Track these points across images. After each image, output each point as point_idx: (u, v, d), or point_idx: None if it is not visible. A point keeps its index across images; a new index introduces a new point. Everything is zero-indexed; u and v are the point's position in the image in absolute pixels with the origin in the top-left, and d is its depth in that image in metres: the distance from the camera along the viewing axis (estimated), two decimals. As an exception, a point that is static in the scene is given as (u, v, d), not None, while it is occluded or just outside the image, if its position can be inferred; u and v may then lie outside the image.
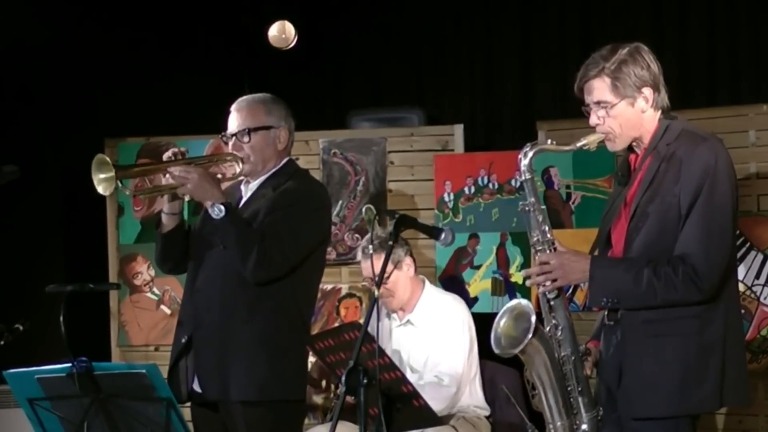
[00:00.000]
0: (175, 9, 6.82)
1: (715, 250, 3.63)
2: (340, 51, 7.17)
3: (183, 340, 4.40)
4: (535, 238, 3.82)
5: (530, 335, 3.68)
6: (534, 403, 3.86)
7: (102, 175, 4.16)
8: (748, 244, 5.35)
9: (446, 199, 6.05)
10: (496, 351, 3.78)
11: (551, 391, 3.77)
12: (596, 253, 3.85)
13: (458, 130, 6.13)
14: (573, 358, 3.77)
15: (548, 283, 3.76)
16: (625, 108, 3.72)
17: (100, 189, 4.18)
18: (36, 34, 6.40)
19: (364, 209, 6.16)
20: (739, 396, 3.77)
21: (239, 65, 7.01)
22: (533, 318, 3.70)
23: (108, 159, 4.18)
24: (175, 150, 4.31)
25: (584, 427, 3.77)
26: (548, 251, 3.80)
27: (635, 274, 3.64)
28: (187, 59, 6.90)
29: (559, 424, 3.79)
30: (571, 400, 3.77)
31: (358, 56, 7.16)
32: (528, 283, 3.88)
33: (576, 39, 6.53)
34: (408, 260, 5.28)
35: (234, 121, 4.45)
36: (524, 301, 3.80)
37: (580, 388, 3.77)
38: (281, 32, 6.85)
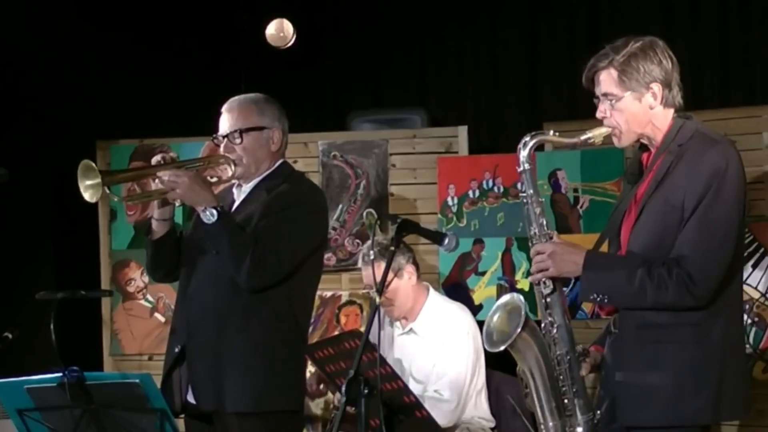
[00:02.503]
0: (170, 6, 6.82)
1: (713, 256, 3.54)
2: (340, 50, 7.20)
3: (176, 350, 4.35)
4: (533, 232, 3.77)
5: (519, 329, 3.63)
6: (527, 402, 3.80)
7: (88, 182, 4.12)
8: (762, 250, 5.30)
9: (450, 203, 6.02)
10: (487, 346, 3.74)
11: (543, 389, 3.71)
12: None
13: (462, 131, 6.12)
14: (569, 357, 3.70)
15: (539, 273, 3.69)
16: (631, 102, 3.66)
17: (87, 196, 4.13)
18: (27, 35, 6.40)
19: (364, 214, 6.14)
20: (736, 409, 3.69)
21: (236, 65, 7.03)
22: (524, 311, 3.65)
23: (94, 165, 4.14)
24: (164, 154, 4.24)
25: (579, 429, 3.68)
26: None
27: (628, 273, 3.57)
28: (182, 58, 6.92)
29: (551, 424, 3.71)
30: (566, 400, 3.70)
31: (359, 55, 7.17)
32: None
33: (583, 38, 6.53)
34: (410, 268, 5.23)
35: (225, 122, 4.41)
36: (516, 295, 3.76)
37: (575, 389, 3.69)
38: (279, 30, 6.89)
